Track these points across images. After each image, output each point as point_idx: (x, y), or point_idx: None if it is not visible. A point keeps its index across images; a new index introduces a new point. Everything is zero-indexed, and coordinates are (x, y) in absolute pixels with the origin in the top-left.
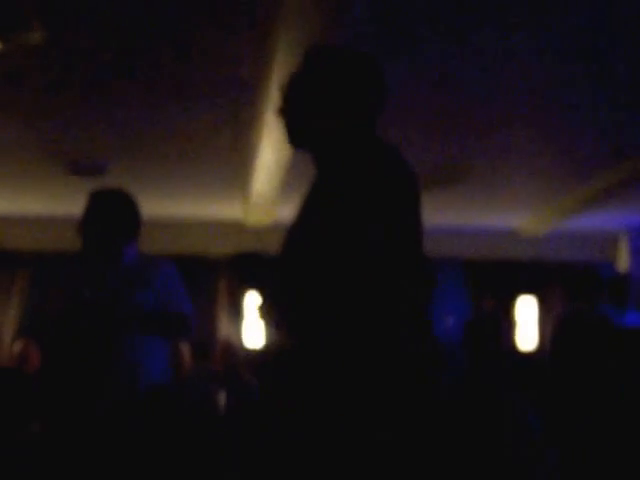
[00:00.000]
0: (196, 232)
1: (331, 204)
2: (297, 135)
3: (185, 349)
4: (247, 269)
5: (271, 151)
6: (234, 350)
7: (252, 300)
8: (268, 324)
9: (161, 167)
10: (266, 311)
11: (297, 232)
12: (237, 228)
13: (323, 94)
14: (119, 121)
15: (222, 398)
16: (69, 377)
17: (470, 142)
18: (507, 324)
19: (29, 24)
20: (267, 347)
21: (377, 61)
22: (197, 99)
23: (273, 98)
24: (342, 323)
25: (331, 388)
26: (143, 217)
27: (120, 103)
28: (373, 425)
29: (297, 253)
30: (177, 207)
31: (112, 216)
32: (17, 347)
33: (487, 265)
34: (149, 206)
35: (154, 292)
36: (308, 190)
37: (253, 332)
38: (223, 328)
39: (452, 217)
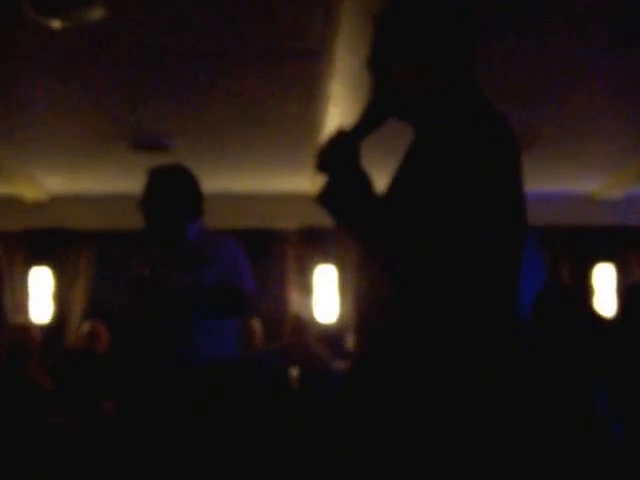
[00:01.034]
0: (264, 206)
1: (438, 169)
2: (392, 93)
3: (256, 325)
4: None
5: (338, 122)
6: (305, 325)
7: (323, 272)
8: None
9: (227, 141)
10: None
11: (395, 198)
12: (305, 201)
13: (419, 41)
14: (183, 96)
15: (294, 373)
16: (135, 356)
17: (542, 106)
18: (585, 292)
19: (91, 1)
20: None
21: (466, 12)
22: (262, 72)
23: (339, 69)
24: (444, 285)
25: (427, 353)
26: (210, 192)
27: (184, 78)
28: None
29: (401, 217)
30: (244, 181)
31: (173, 195)
32: (86, 328)
33: (563, 232)
34: (215, 181)
35: (216, 269)
36: (407, 153)
37: (324, 306)
38: (293, 303)
39: (526, 183)
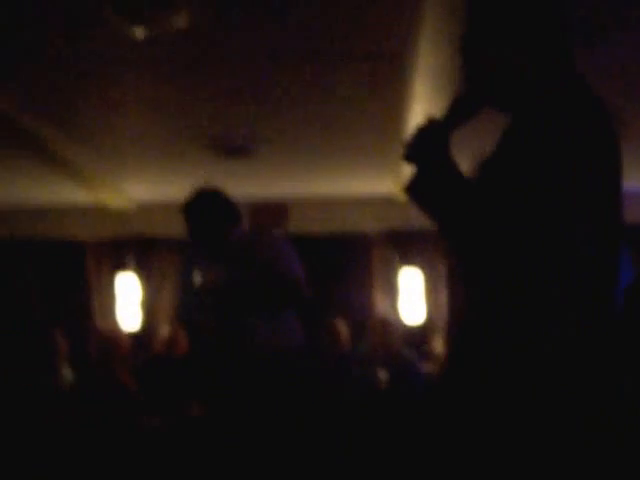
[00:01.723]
0: (348, 209)
1: (535, 159)
2: (487, 80)
3: (342, 327)
4: None
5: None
6: (391, 327)
7: (408, 274)
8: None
9: (311, 145)
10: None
11: (492, 186)
12: (389, 204)
13: (515, 24)
14: (268, 100)
15: (382, 375)
16: (203, 360)
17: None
18: None
19: (175, 8)
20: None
21: None
22: (347, 74)
23: (423, 70)
24: (539, 283)
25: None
26: (294, 197)
27: (269, 82)
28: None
29: (495, 209)
30: (328, 185)
31: (206, 217)
32: (164, 332)
33: None
34: (299, 185)
35: (261, 265)
36: (500, 141)
37: (410, 308)
38: (379, 305)
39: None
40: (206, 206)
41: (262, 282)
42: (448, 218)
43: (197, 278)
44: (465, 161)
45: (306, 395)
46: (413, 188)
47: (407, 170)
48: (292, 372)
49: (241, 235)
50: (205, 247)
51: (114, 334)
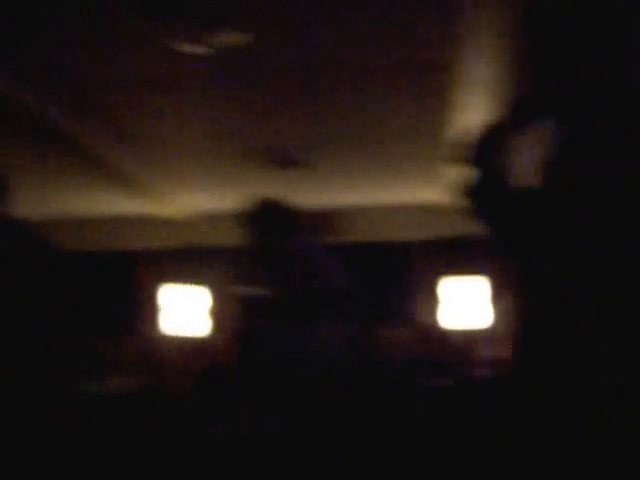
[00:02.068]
0: (394, 217)
1: (602, 165)
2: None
3: (396, 335)
4: None
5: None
6: (435, 334)
7: (447, 283)
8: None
9: (361, 155)
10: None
11: (555, 192)
12: (433, 212)
13: (579, 32)
14: (319, 112)
15: (428, 381)
16: (252, 370)
17: None
18: None
19: (231, 26)
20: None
21: None
22: (397, 84)
23: (470, 79)
24: (609, 290)
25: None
26: (345, 206)
27: (320, 94)
28: None
29: (560, 215)
30: (378, 194)
31: (267, 232)
32: (216, 343)
33: None
34: (349, 194)
35: (315, 274)
36: (564, 146)
37: (452, 314)
38: (423, 312)
39: None
40: (268, 216)
41: (307, 293)
42: (507, 225)
43: (249, 288)
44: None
45: (355, 406)
46: (472, 193)
47: (457, 175)
48: (337, 383)
49: (296, 244)
50: (262, 256)
51: (180, 342)
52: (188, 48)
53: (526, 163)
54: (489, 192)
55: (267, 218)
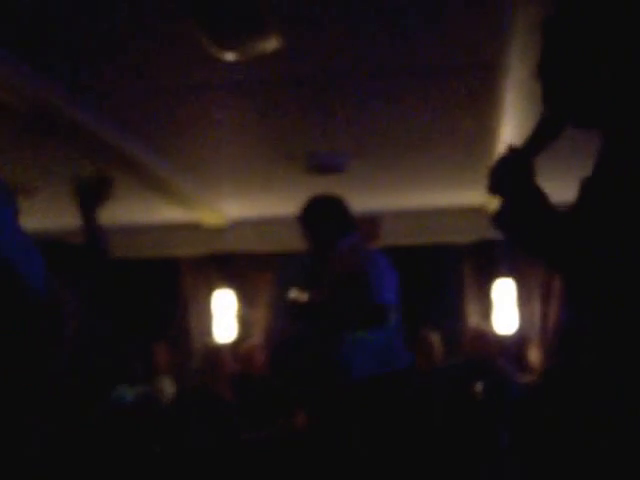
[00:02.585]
0: (439, 220)
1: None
2: (569, 98)
3: (435, 338)
4: None
5: (512, 136)
6: (486, 338)
7: (501, 285)
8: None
9: (400, 159)
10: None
11: (593, 210)
12: (480, 215)
13: (595, 40)
14: (357, 117)
15: (478, 386)
16: (296, 373)
17: None
18: None
19: (265, 32)
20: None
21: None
22: (437, 87)
23: (514, 82)
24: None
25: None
26: (384, 210)
27: (357, 98)
28: None
29: (594, 235)
30: (419, 198)
31: (317, 216)
32: (243, 349)
33: None
34: (389, 199)
35: (360, 282)
36: (597, 162)
37: (504, 318)
38: (472, 315)
39: None
40: (318, 211)
41: (359, 306)
42: (538, 245)
43: (294, 293)
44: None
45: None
46: (500, 218)
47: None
48: (385, 396)
49: (350, 248)
50: (315, 255)
51: (217, 349)
52: (224, 54)
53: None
54: (514, 218)
55: (315, 212)
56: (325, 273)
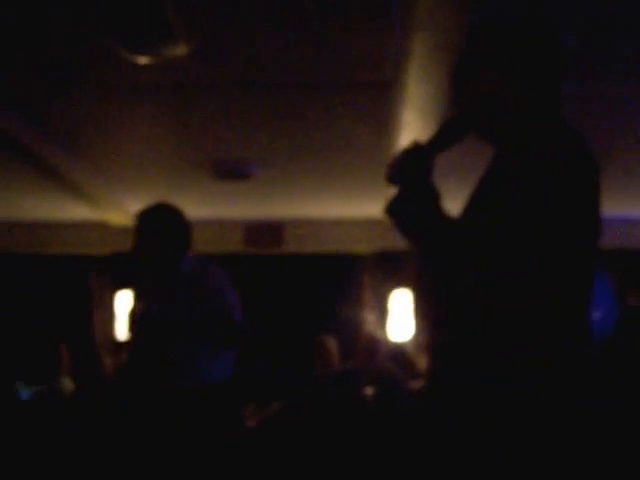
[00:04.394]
0: (341, 231)
1: (515, 193)
2: (475, 107)
3: (332, 344)
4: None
5: None
6: (378, 345)
7: (399, 295)
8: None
9: (305, 169)
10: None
11: (472, 220)
12: (380, 226)
13: (502, 62)
14: (264, 126)
15: (369, 392)
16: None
17: (613, 131)
18: None
19: (174, 38)
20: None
21: (555, 31)
22: (340, 102)
23: (412, 99)
24: (514, 303)
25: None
26: (289, 219)
27: (264, 108)
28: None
29: (472, 246)
30: (322, 208)
31: (159, 231)
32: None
33: (631, 255)
34: (294, 208)
35: (208, 299)
36: (485, 173)
37: (399, 326)
38: (368, 325)
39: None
40: (166, 220)
41: (210, 323)
42: (424, 239)
43: (140, 304)
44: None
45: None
46: (392, 208)
47: (391, 192)
48: (217, 407)
49: (191, 264)
50: (153, 267)
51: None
52: (135, 58)
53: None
54: (406, 209)
55: (163, 220)
56: (167, 290)
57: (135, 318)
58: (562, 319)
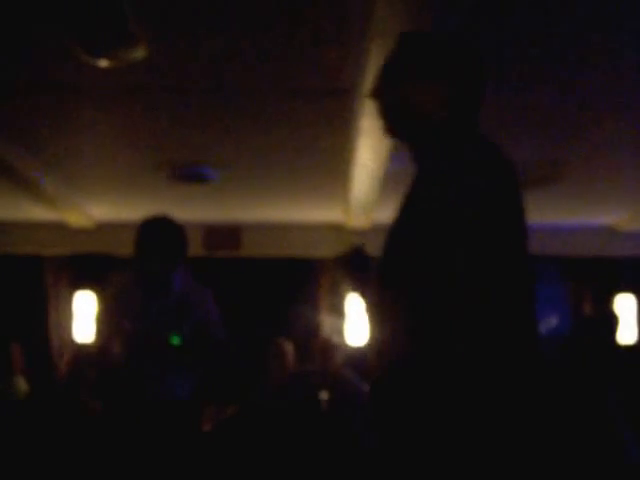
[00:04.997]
0: (299, 235)
1: (432, 203)
2: (394, 123)
3: (289, 348)
4: (353, 267)
5: (369, 156)
6: (334, 348)
7: (354, 300)
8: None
9: (265, 173)
10: (368, 311)
11: (398, 233)
12: (338, 231)
13: (421, 78)
14: (223, 130)
15: (324, 396)
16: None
17: (566, 139)
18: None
19: (133, 41)
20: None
21: (477, 49)
22: (298, 108)
23: (370, 106)
24: (445, 327)
25: (436, 393)
26: (248, 222)
27: (224, 112)
28: (486, 427)
29: (398, 255)
30: (281, 212)
31: (159, 246)
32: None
33: (585, 263)
34: (253, 212)
35: (194, 318)
36: (409, 186)
37: (355, 331)
38: (325, 328)
39: (549, 215)
40: (171, 234)
41: (196, 343)
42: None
43: (127, 321)
44: None
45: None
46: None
47: (354, 200)
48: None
49: (182, 282)
50: (151, 279)
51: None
52: (94, 61)
53: None
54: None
55: (167, 235)
56: (159, 309)
57: (126, 335)
58: (499, 323)
